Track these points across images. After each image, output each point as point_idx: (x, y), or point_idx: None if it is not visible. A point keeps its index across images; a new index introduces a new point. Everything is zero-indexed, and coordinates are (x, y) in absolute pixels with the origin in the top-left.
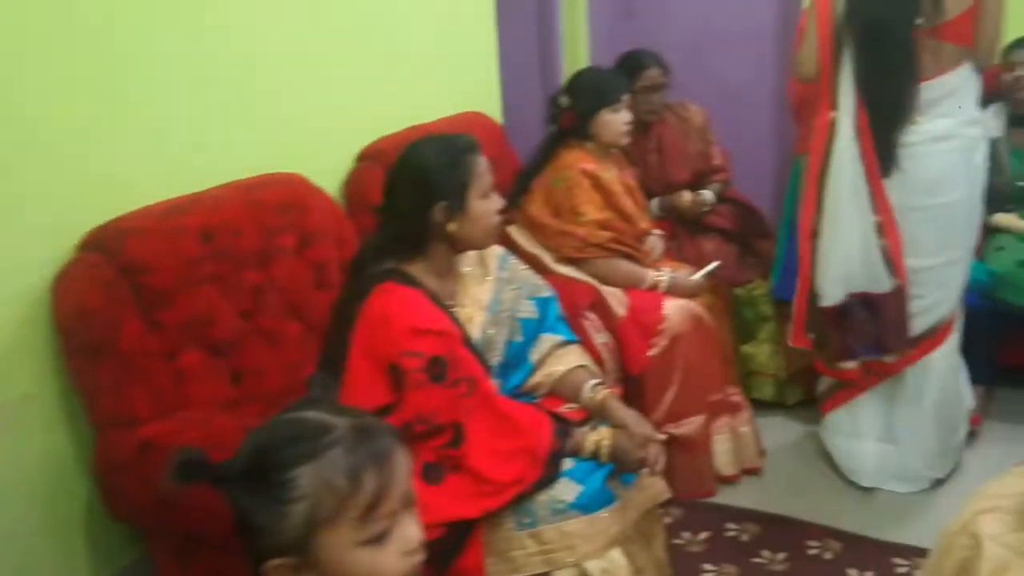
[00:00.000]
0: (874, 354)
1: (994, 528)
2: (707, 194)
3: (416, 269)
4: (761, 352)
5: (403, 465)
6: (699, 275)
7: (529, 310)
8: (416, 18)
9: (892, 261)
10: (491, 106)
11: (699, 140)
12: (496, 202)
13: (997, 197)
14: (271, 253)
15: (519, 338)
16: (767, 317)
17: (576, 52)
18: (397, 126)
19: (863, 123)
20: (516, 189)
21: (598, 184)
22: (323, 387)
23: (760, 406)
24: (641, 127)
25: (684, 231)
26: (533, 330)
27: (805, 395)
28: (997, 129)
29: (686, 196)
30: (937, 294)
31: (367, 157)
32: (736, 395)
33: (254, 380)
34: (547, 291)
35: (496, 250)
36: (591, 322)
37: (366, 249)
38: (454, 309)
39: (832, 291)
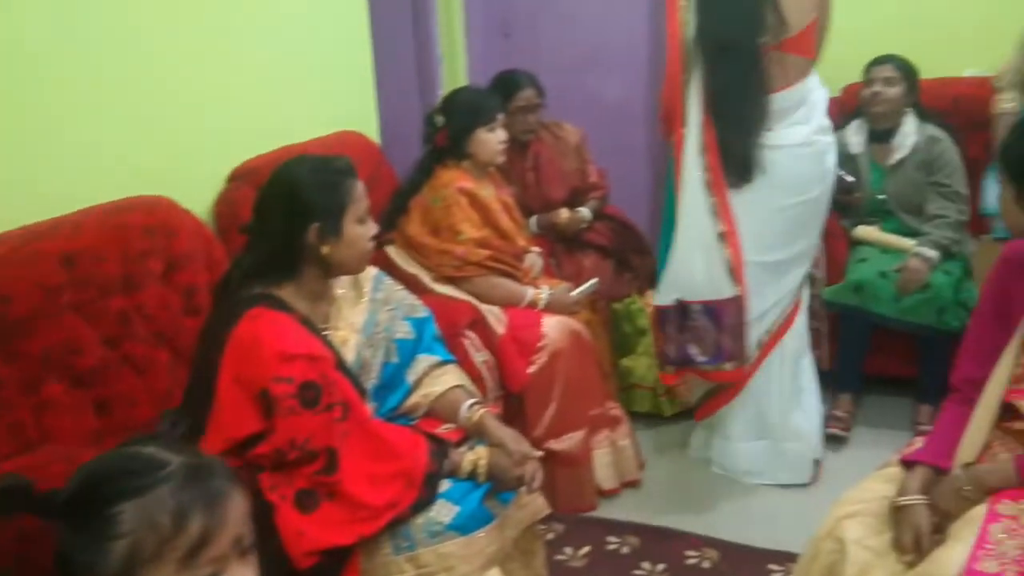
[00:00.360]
0: (715, 361)
1: (857, 532)
2: (584, 211)
3: (287, 293)
4: (639, 365)
5: (237, 509)
6: (577, 292)
7: (405, 331)
8: (288, 34)
9: (733, 270)
10: (368, 125)
11: (575, 158)
12: (371, 228)
13: (859, 210)
14: (137, 278)
15: (395, 359)
16: (644, 331)
17: (455, 71)
18: (270, 145)
19: (709, 139)
20: (393, 209)
21: (476, 202)
22: (173, 423)
23: (639, 418)
24: (518, 146)
25: (562, 248)
26: (409, 351)
27: (682, 406)
28: (859, 145)
29: (563, 213)
30: (786, 283)
31: (238, 177)
32: (615, 409)
33: (121, 411)
34: (423, 311)
35: (371, 271)
36: (471, 341)
37: (234, 272)
38: (327, 332)
39: (665, 293)
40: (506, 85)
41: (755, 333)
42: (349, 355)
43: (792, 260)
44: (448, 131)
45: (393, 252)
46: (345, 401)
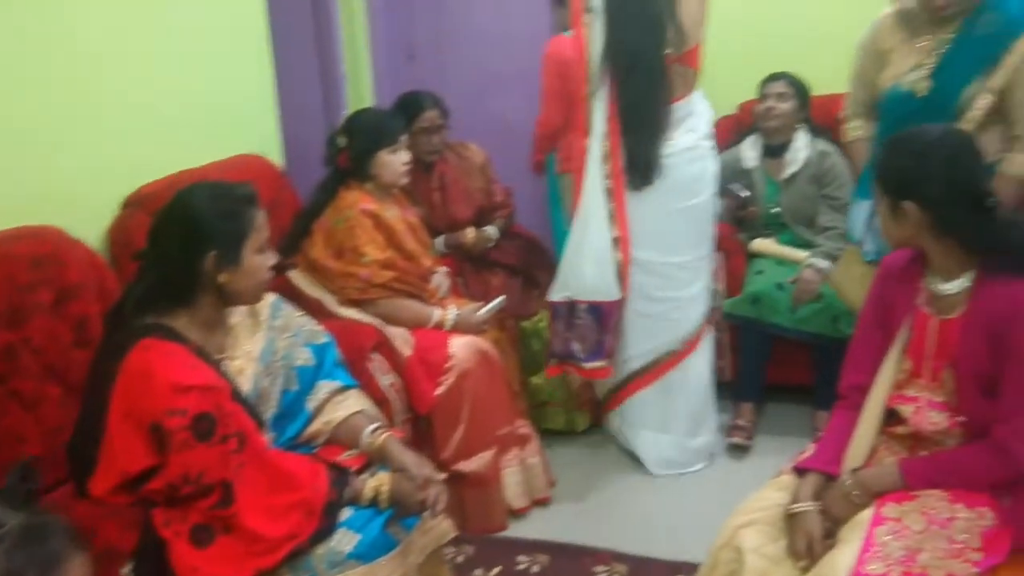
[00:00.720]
0: (593, 358)
1: (754, 541)
2: (490, 230)
3: (180, 322)
4: (550, 382)
5: (75, 573)
6: (484, 312)
7: (305, 358)
8: (185, 54)
9: (621, 274)
10: (270, 147)
11: (480, 178)
12: (270, 258)
13: (755, 223)
14: (25, 311)
15: (295, 387)
16: None
17: (360, 93)
18: (166, 170)
19: (613, 147)
20: (296, 232)
21: (380, 223)
22: (23, 477)
23: (551, 435)
24: (424, 166)
25: (470, 267)
26: (310, 378)
27: (593, 420)
28: (753, 159)
29: (470, 233)
30: (696, 285)
31: (133, 203)
32: (524, 427)
33: (9, 448)
34: (324, 337)
35: (268, 298)
36: (376, 364)
37: (126, 300)
38: (223, 362)
39: (558, 290)
40: (409, 106)
41: (680, 330)
42: (246, 385)
43: (700, 260)
44: (350, 153)
45: (296, 276)
46: (241, 432)
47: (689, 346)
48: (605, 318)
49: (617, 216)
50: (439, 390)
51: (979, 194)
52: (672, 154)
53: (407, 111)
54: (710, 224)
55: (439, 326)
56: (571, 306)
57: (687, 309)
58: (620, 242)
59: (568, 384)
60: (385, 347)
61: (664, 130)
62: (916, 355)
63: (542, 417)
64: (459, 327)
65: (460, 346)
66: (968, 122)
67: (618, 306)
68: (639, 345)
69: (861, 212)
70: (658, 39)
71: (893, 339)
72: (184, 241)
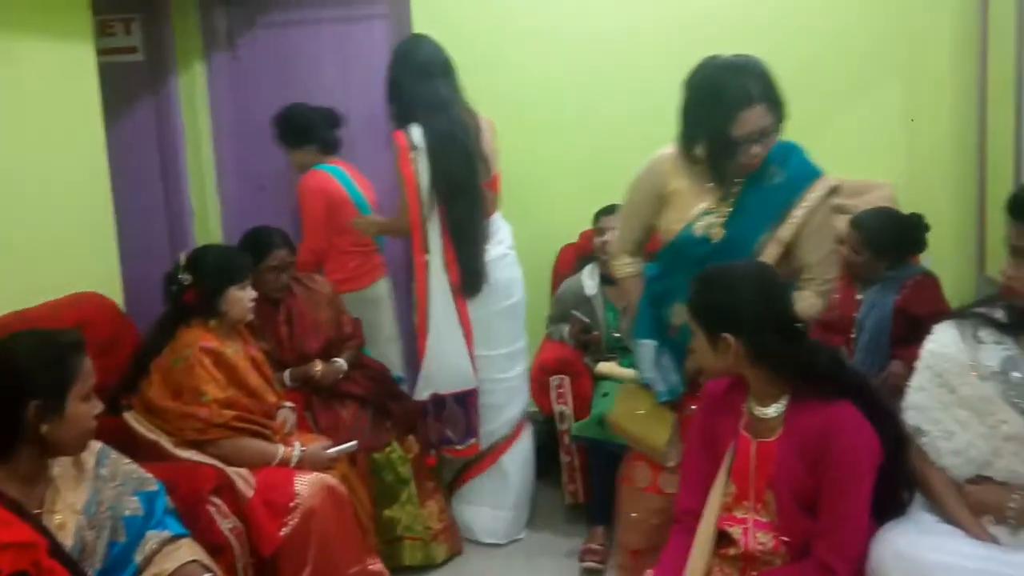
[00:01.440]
0: (466, 440)
1: None
2: (340, 362)
3: None
4: (405, 514)
5: None
6: (333, 452)
7: (134, 507)
8: (17, 189)
9: (473, 366)
10: (109, 285)
11: (329, 309)
12: (96, 407)
13: (598, 347)
14: None
15: (122, 538)
16: (406, 479)
17: (208, 225)
18: None
19: (449, 259)
20: (133, 372)
21: (221, 361)
22: None
23: (409, 572)
24: (271, 301)
25: (319, 400)
26: (138, 528)
27: (452, 551)
28: (593, 287)
29: (319, 365)
30: (516, 370)
31: None
32: (376, 564)
33: None
34: (154, 484)
35: (94, 446)
36: (216, 508)
37: None
38: (43, 516)
39: (422, 389)
40: (258, 244)
41: (509, 415)
42: (67, 539)
43: (519, 352)
44: (199, 290)
45: (132, 418)
46: None
47: (516, 431)
48: (469, 403)
49: (462, 317)
50: (284, 531)
51: (787, 320)
52: (490, 261)
53: (256, 249)
54: (523, 320)
55: (284, 463)
56: (438, 400)
57: (512, 395)
58: (468, 338)
59: (425, 516)
60: (226, 489)
61: (485, 243)
62: (740, 478)
63: (398, 553)
64: (305, 464)
65: (306, 484)
66: None
67: (476, 391)
68: (482, 428)
69: (646, 352)
70: (473, 169)
71: (720, 463)
72: (3, 391)
